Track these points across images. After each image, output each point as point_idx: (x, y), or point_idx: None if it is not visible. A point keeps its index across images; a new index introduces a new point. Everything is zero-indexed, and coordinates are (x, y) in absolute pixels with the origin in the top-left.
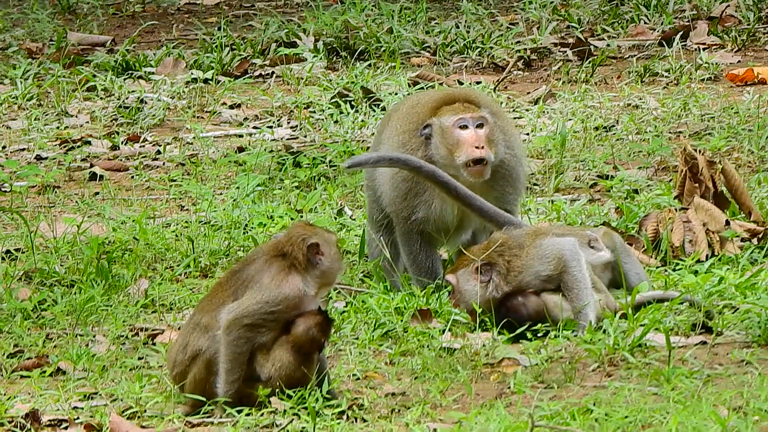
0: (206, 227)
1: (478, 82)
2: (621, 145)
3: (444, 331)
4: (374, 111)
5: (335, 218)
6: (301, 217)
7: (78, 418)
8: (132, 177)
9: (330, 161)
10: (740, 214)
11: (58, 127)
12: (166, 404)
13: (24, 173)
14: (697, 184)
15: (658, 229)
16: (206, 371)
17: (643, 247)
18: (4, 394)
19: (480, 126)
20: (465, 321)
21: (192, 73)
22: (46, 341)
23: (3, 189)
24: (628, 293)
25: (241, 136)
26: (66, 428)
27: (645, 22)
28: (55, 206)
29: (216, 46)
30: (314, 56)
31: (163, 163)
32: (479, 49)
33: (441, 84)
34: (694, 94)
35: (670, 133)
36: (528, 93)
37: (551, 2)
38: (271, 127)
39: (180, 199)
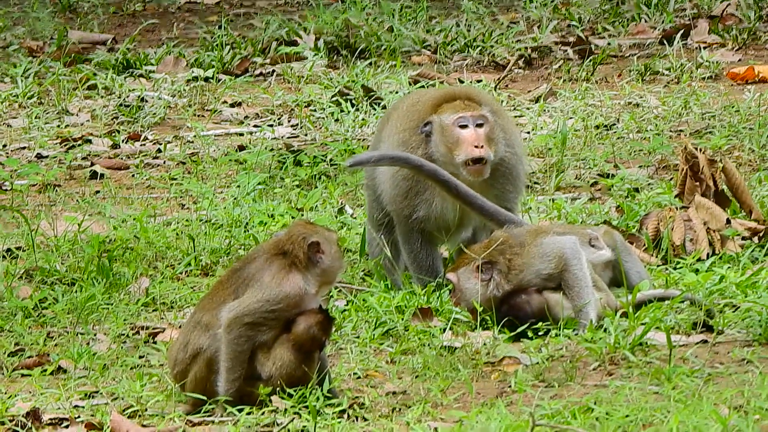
0: (207, 226)
1: (479, 81)
2: (622, 144)
3: (445, 329)
4: (375, 109)
5: (336, 217)
6: (302, 215)
7: (79, 416)
8: (133, 175)
9: (331, 160)
10: (741, 212)
11: (58, 126)
12: (167, 403)
13: (25, 172)
14: (697, 183)
15: (659, 227)
16: (207, 370)
17: (644, 245)
18: (5, 393)
19: (480, 125)
20: (466, 320)
21: (193, 72)
22: (46, 340)
23: (4, 187)
24: (629, 292)
25: (241, 134)
26: (67, 427)
27: (646, 21)
28: (55, 205)
29: (217, 45)
30: (315, 55)
31: (164, 162)
32: (480, 48)
33: (442, 83)
34: (694, 92)
35: (670, 131)
36: (529, 91)
37: (552, 1)
38: (271, 125)
39: (181, 197)
